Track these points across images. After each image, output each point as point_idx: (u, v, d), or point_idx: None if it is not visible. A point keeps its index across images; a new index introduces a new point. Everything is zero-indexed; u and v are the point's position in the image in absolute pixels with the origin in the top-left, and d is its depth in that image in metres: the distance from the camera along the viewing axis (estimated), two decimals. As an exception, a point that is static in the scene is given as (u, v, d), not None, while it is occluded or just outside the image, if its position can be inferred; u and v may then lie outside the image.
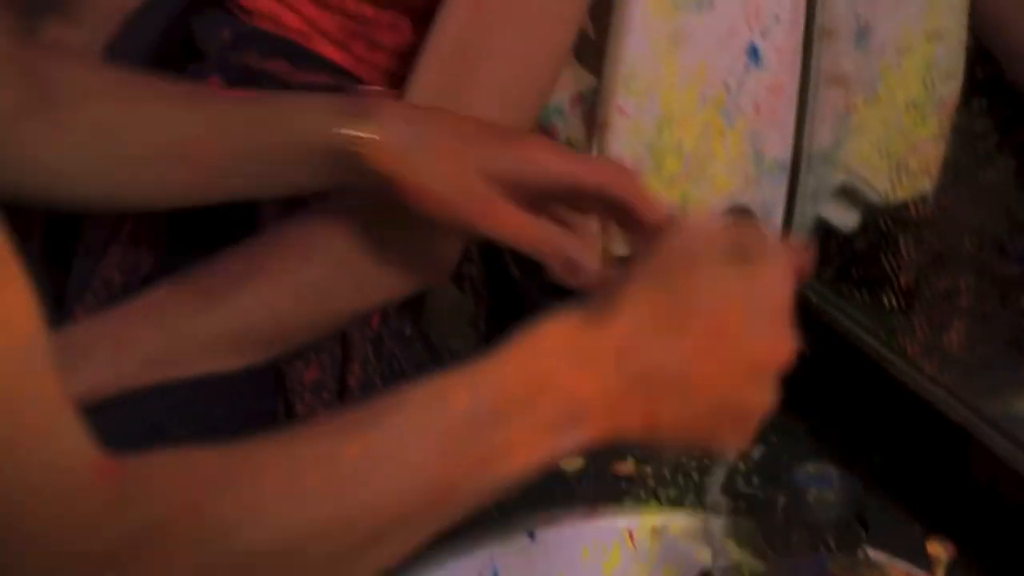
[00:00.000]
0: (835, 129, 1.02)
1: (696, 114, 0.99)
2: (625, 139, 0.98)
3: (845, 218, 1.07)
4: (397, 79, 0.95)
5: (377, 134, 0.79)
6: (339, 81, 0.98)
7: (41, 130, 0.83)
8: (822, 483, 0.81)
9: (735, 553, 0.84)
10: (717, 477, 0.87)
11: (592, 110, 0.99)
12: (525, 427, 0.63)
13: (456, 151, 0.80)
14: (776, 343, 0.67)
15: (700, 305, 0.65)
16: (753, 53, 0.98)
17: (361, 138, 0.79)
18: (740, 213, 0.98)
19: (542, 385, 0.63)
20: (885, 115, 1.02)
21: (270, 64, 0.97)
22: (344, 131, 0.79)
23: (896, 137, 1.03)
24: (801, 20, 0.99)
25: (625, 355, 0.64)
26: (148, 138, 0.84)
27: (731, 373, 0.66)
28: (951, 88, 1.05)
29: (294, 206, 0.91)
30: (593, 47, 0.99)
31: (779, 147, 1.01)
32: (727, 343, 0.65)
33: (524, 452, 0.63)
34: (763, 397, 0.67)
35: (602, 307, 0.65)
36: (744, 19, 0.97)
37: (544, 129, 1.01)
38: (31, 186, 0.85)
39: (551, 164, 0.80)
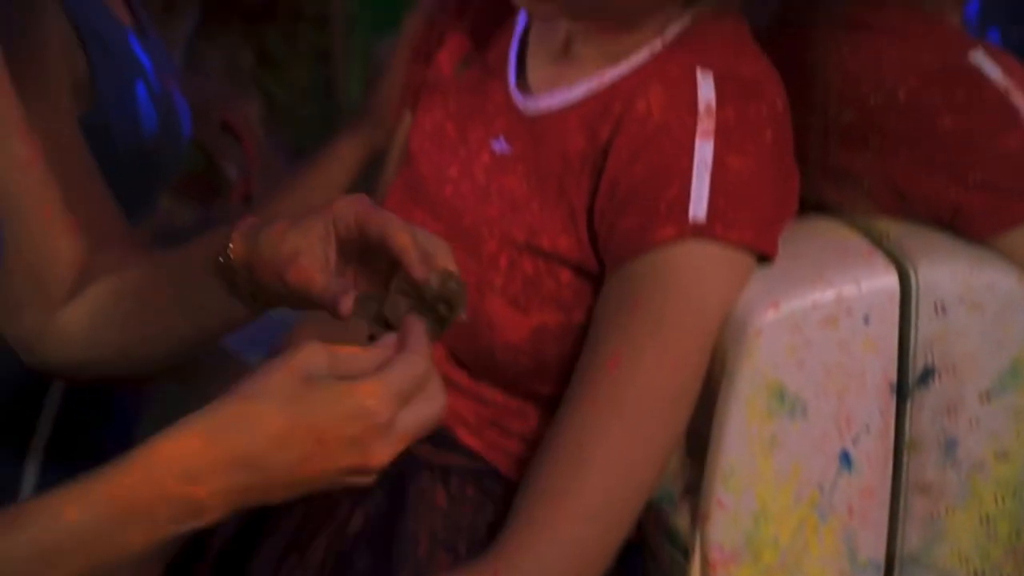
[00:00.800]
0: (924, 533, 1.09)
1: (791, 511, 1.08)
2: (724, 531, 1.07)
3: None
4: (525, 466, 1.09)
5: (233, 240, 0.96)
6: (475, 465, 1.13)
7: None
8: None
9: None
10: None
11: (697, 502, 1.09)
12: (143, 527, 0.79)
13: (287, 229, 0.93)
14: (365, 458, 0.80)
15: (302, 426, 0.79)
16: (845, 459, 1.07)
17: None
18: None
19: (160, 495, 0.78)
20: (974, 524, 1.08)
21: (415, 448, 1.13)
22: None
23: (987, 544, 1.09)
24: (891, 431, 1.07)
25: (237, 467, 0.79)
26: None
27: (330, 477, 0.81)
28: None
29: None
30: (701, 444, 1.10)
31: (872, 547, 1.08)
32: (323, 459, 0.80)
33: (143, 542, 0.79)
34: (365, 479, 0.82)
35: (220, 420, 0.79)
36: (836, 427, 1.07)
37: (655, 513, 1.12)
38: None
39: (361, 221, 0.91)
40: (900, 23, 1.12)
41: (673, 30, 1.09)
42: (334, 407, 0.79)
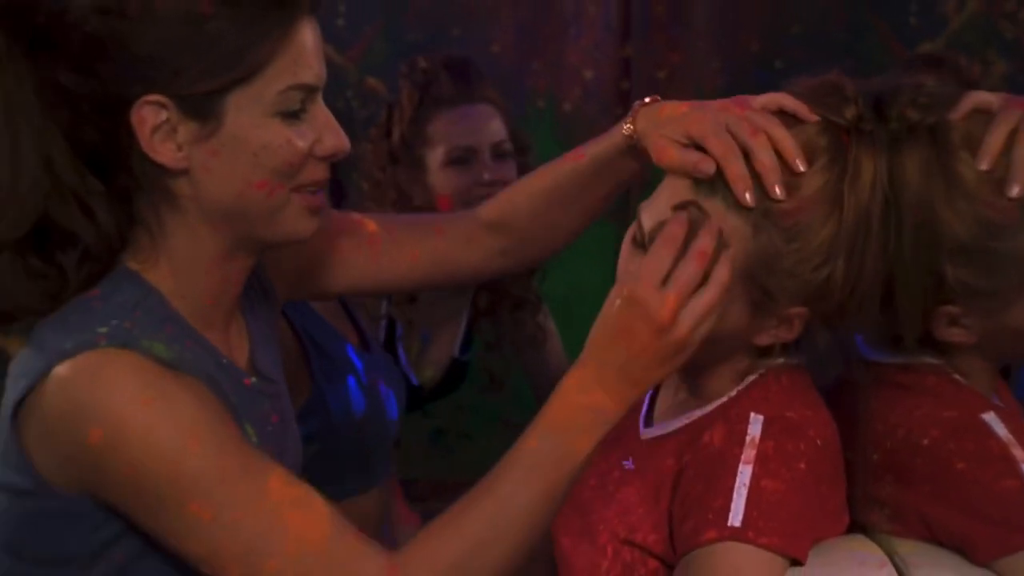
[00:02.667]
0: None
1: None
2: None
3: None
4: None
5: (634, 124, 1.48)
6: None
7: None
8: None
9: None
10: None
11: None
12: (577, 434, 1.28)
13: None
14: (663, 336, 1.27)
15: (623, 341, 1.27)
16: None
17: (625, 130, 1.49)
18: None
19: (574, 407, 1.28)
20: None
21: None
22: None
23: None
24: None
25: (603, 371, 1.28)
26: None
27: (662, 363, 1.28)
28: None
29: None
30: None
31: None
32: (646, 348, 1.27)
33: (585, 446, 1.28)
34: (680, 356, 1.29)
35: (580, 364, 1.29)
36: None
37: None
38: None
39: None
40: (933, 385, 1.41)
41: (747, 381, 1.40)
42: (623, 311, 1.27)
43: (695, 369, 1.40)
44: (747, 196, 1.30)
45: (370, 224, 1.59)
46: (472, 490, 1.29)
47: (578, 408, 1.28)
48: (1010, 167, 1.32)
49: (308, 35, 1.31)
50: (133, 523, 1.29)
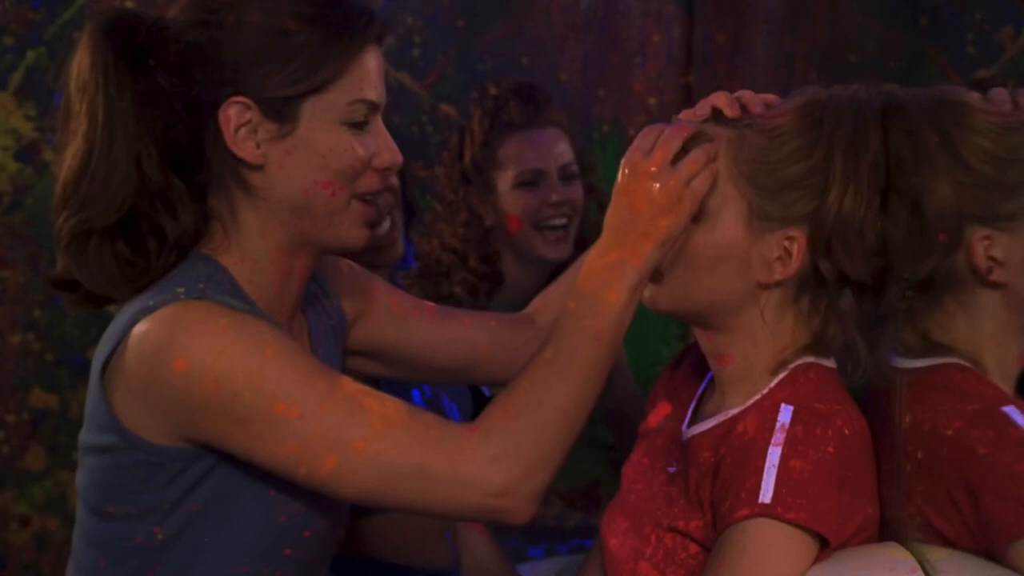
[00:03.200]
0: None
1: None
2: None
3: None
4: None
5: None
6: None
7: None
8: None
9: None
10: None
11: None
12: (606, 291, 1.45)
13: None
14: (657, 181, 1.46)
15: (628, 204, 1.47)
16: None
17: None
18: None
19: (599, 267, 1.47)
20: None
21: None
22: None
23: None
24: None
25: (618, 238, 1.46)
26: None
27: (665, 212, 1.45)
28: None
29: None
30: None
31: None
32: (649, 203, 1.46)
33: (615, 298, 1.45)
34: (683, 208, 1.47)
35: (600, 239, 1.47)
36: None
37: None
38: None
39: None
40: (958, 381, 1.50)
41: (779, 378, 1.51)
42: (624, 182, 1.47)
43: (729, 372, 1.53)
44: (732, 109, 1.48)
45: (429, 303, 1.75)
46: (531, 357, 1.47)
47: (601, 268, 1.45)
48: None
49: (373, 60, 1.50)
50: (225, 455, 1.43)
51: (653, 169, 1.44)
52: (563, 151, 2.45)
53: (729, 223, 1.48)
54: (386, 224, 2.00)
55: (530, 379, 1.44)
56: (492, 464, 1.39)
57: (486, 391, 2.36)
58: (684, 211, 1.45)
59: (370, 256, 1.96)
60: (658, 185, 1.43)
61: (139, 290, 1.48)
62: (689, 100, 3.13)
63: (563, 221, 2.46)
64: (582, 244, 2.42)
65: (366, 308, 1.68)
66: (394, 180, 1.99)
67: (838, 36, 3.24)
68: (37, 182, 2.93)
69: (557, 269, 2.34)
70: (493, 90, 2.48)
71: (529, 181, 2.44)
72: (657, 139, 1.46)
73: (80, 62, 1.48)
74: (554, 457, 1.42)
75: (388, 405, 1.42)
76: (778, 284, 1.49)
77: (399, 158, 1.53)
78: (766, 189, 1.47)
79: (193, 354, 1.40)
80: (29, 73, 2.90)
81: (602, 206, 2.51)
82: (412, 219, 2.33)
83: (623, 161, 1.47)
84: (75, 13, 2.91)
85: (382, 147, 1.51)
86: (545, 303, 1.77)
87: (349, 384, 1.43)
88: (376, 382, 2.02)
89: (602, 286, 1.45)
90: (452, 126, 2.91)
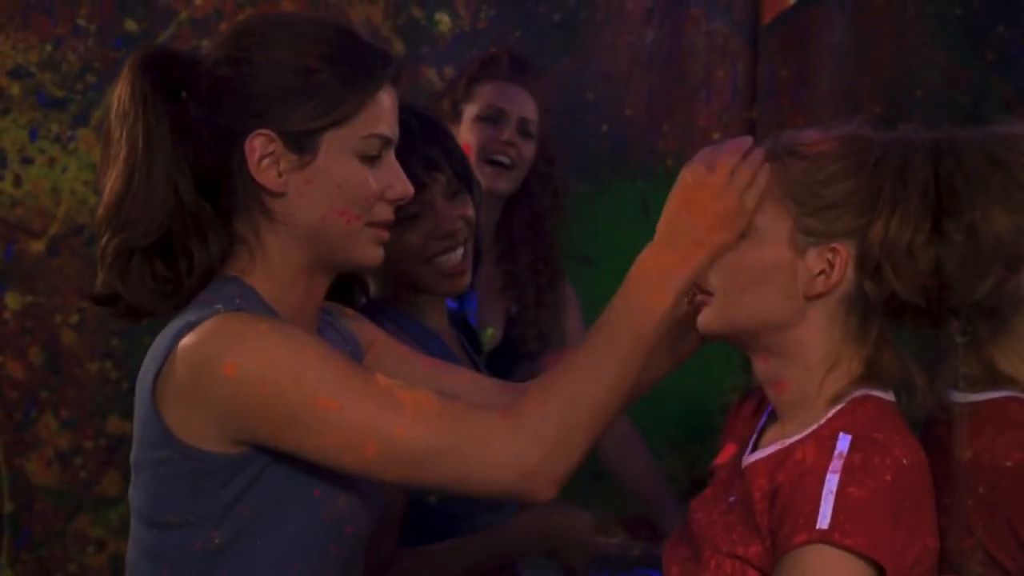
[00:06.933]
0: None
1: None
2: None
3: None
4: None
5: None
6: None
7: None
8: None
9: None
10: None
11: None
12: (652, 293, 1.53)
13: None
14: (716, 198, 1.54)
15: (682, 213, 1.55)
16: None
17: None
18: None
19: (648, 270, 1.54)
20: None
21: None
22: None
23: None
24: None
25: (672, 243, 1.54)
26: None
27: (720, 226, 1.54)
28: None
29: None
30: None
31: None
32: (709, 216, 1.54)
33: (660, 301, 1.53)
34: (736, 223, 1.55)
35: (656, 239, 1.55)
36: None
37: None
38: None
39: None
40: (1015, 413, 1.53)
41: (837, 408, 1.54)
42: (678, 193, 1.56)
43: (785, 398, 1.58)
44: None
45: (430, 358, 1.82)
46: (571, 349, 1.56)
47: (651, 269, 1.54)
48: None
49: (388, 98, 1.61)
50: (276, 454, 1.51)
51: (715, 184, 1.51)
52: (530, 109, 2.74)
53: (774, 240, 1.53)
54: (459, 252, 2.04)
55: (566, 369, 1.52)
56: (522, 448, 1.48)
57: (472, 320, 2.40)
58: (737, 228, 1.53)
59: (438, 283, 2.01)
60: (719, 200, 1.51)
61: (176, 306, 1.58)
62: (753, 134, 3.15)
63: (507, 160, 2.73)
64: (524, 210, 2.75)
65: (373, 342, 1.76)
66: (471, 211, 2.03)
67: (903, 70, 3.26)
68: (115, 214, 3.00)
69: (507, 207, 2.71)
70: (494, 49, 2.81)
71: (489, 117, 2.72)
72: (717, 155, 1.53)
73: (121, 92, 1.59)
74: (580, 446, 1.51)
75: (421, 395, 1.51)
76: (821, 297, 1.52)
77: (410, 190, 1.63)
78: (810, 207, 1.52)
79: (240, 359, 1.49)
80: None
81: (557, 195, 2.75)
82: (479, 255, 2.38)
83: (685, 172, 1.54)
84: (153, 51, 2.99)
85: (394, 180, 1.61)
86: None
87: (382, 379, 1.53)
88: None
89: (650, 288, 1.53)
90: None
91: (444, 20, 3.08)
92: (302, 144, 1.57)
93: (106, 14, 2.97)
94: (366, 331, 1.76)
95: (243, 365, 1.49)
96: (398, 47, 3.05)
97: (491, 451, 1.49)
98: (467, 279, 2.07)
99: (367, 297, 1.89)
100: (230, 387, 1.49)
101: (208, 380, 1.50)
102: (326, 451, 1.50)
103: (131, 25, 2.98)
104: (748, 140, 1.56)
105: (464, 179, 2.04)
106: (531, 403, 1.51)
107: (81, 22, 2.96)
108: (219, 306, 1.54)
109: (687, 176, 1.53)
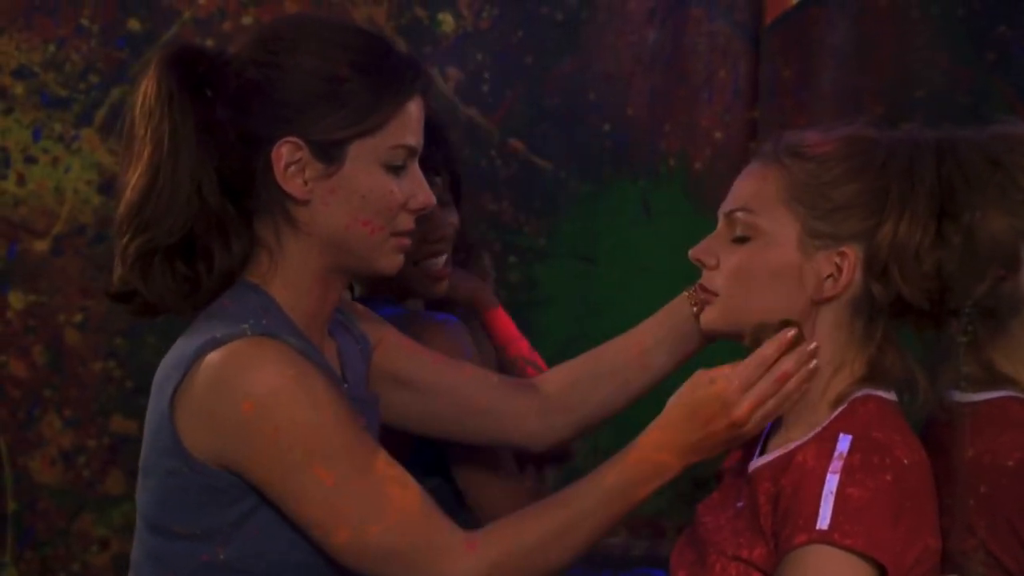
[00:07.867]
0: None
1: None
2: None
3: None
4: None
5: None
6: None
7: None
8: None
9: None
10: None
11: None
12: (643, 483, 1.55)
13: None
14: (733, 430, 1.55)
15: (701, 423, 1.54)
16: None
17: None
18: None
19: (645, 460, 1.55)
20: None
21: None
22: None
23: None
24: None
25: (676, 438, 1.54)
26: None
27: (724, 444, 1.55)
28: None
29: None
30: None
31: None
32: (717, 434, 1.55)
33: (644, 493, 1.56)
34: (741, 435, 1.57)
35: (659, 427, 1.56)
36: None
37: None
38: None
39: None
40: (1016, 414, 1.54)
41: (838, 410, 1.56)
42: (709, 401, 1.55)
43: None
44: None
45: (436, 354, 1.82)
46: (551, 498, 1.58)
47: (649, 462, 1.56)
48: None
49: (416, 108, 1.59)
50: (263, 494, 1.50)
51: (739, 419, 1.52)
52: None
53: (782, 243, 1.52)
54: (444, 257, 2.05)
55: (541, 517, 1.56)
56: (475, 574, 1.51)
57: None
58: (736, 443, 1.57)
59: (424, 285, 2.02)
60: (735, 431, 1.53)
61: (196, 305, 1.57)
62: (755, 135, 3.16)
63: None
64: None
65: (382, 338, 1.76)
66: (457, 219, 2.04)
67: (905, 70, 3.26)
68: (118, 214, 3.01)
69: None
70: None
71: None
72: (756, 380, 1.52)
73: (147, 89, 1.56)
74: None
75: (408, 497, 1.51)
76: (830, 301, 1.52)
77: (432, 200, 1.62)
78: (818, 210, 1.51)
79: (260, 399, 1.48)
80: (113, 110, 2.99)
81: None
82: (469, 258, 2.38)
83: (721, 387, 1.53)
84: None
85: (417, 190, 1.60)
86: (558, 374, 1.82)
87: (382, 465, 1.52)
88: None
89: (642, 480, 1.56)
90: (521, 160, 2.96)
91: (447, 20, 3.08)
92: (329, 153, 1.56)
93: (109, 14, 2.97)
94: (376, 329, 1.76)
95: (261, 407, 1.48)
96: (401, 47, 3.05)
97: (449, 569, 1.51)
98: (447, 284, 2.09)
99: (352, 298, 1.89)
100: (243, 421, 1.49)
101: (223, 406, 1.50)
102: (301, 517, 1.51)
103: (134, 25, 2.98)
104: (791, 366, 1.53)
105: (455, 188, 2.06)
106: (497, 537, 1.54)
107: (84, 22, 2.97)
108: (246, 326, 1.52)
109: (718, 391, 1.53)
